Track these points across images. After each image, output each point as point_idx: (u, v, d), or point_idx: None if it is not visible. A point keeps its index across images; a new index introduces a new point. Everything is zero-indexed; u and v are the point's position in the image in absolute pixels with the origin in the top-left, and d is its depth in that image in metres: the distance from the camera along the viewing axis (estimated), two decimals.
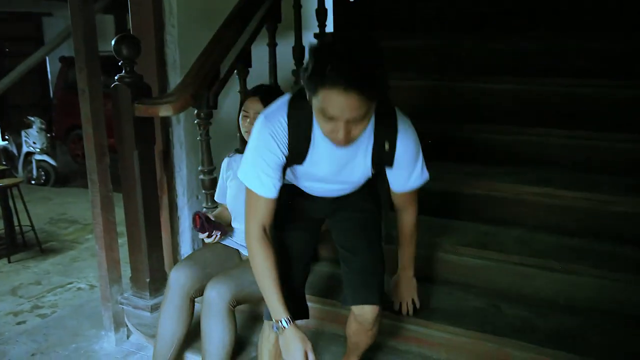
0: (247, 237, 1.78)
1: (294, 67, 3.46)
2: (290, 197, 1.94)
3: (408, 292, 2.24)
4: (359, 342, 2.07)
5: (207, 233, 2.26)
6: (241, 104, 2.31)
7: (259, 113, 2.16)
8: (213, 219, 2.30)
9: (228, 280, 2.18)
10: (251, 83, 2.94)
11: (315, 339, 2.45)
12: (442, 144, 3.04)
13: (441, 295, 2.43)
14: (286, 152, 1.69)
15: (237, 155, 2.45)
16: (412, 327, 2.31)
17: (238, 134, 2.38)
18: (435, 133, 3.04)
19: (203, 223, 2.25)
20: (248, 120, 2.26)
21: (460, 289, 2.48)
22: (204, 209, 2.75)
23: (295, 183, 1.92)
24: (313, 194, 1.94)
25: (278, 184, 1.73)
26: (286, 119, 1.68)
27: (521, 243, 2.48)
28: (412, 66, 3.52)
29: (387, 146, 1.72)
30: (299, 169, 1.79)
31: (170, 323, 2.31)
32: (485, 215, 2.70)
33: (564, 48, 3.20)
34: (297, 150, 1.70)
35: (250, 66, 2.93)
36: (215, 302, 2.14)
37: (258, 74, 3.08)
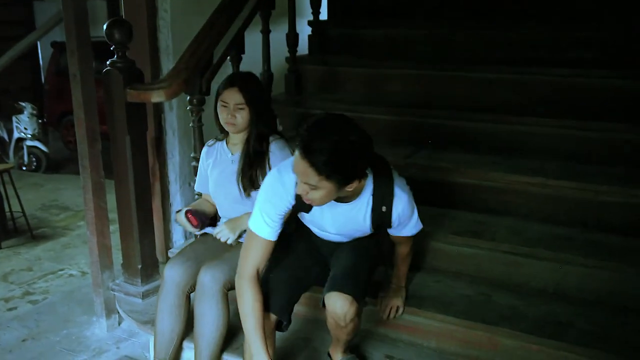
0: (238, 276, 1.90)
1: (288, 54, 3.45)
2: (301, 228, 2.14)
3: (397, 299, 2.28)
4: (339, 336, 2.08)
5: (201, 226, 2.29)
6: (217, 95, 2.30)
7: (238, 104, 2.22)
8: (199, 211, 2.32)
9: (221, 264, 2.18)
10: (244, 69, 2.93)
11: (309, 326, 2.46)
12: (435, 133, 3.05)
13: (432, 284, 2.44)
14: (293, 201, 1.87)
15: (218, 144, 2.43)
16: (403, 316, 2.32)
17: (216, 122, 2.37)
18: (428, 122, 3.06)
19: (201, 219, 2.28)
20: (227, 112, 2.24)
21: (451, 277, 2.50)
22: (196, 196, 2.75)
23: (304, 223, 2.12)
24: (320, 237, 2.14)
25: (278, 230, 1.90)
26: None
27: (512, 232, 2.49)
28: (406, 55, 3.52)
29: (384, 209, 1.91)
30: (306, 216, 1.99)
31: (168, 320, 2.30)
32: (476, 204, 2.71)
33: (556, 38, 3.21)
34: (303, 203, 1.82)
35: (244, 53, 2.92)
36: (209, 286, 2.15)
37: (251, 60, 3.07)
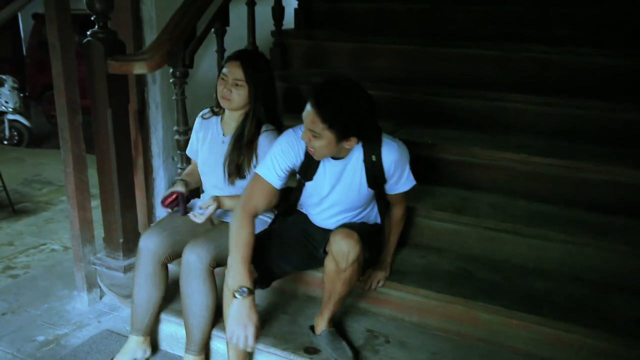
0: (241, 209, 1.99)
1: (273, 28, 3.41)
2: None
3: (381, 272, 2.31)
4: (332, 291, 2.07)
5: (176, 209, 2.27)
6: (220, 68, 2.25)
7: (237, 79, 2.17)
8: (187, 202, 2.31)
9: (207, 242, 2.16)
10: (229, 43, 2.90)
11: (290, 301, 2.47)
12: (420, 109, 3.04)
13: (414, 259, 2.46)
14: (302, 157, 2.05)
15: (213, 118, 2.39)
16: (385, 290, 2.34)
17: (215, 95, 2.32)
18: (414, 97, 3.05)
19: (179, 202, 2.26)
20: (224, 85, 2.20)
21: (434, 253, 2.51)
22: (179, 170, 2.73)
23: (305, 209, 2.27)
24: (317, 224, 2.23)
25: (283, 177, 2.05)
26: None
27: (495, 208, 2.50)
28: (392, 30, 3.49)
29: (374, 158, 2.03)
30: (308, 186, 2.13)
31: (144, 290, 2.29)
32: (460, 180, 2.72)
33: (544, 15, 3.19)
34: (309, 164, 2.06)
35: (228, 25, 2.88)
36: (195, 265, 2.13)
37: (236, 34, 3.03)
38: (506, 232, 2.41)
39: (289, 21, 3.58)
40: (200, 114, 2.45)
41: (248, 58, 2.23)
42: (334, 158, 2.05)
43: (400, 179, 2.13)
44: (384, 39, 3.36)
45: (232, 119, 2.31)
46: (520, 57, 3.04)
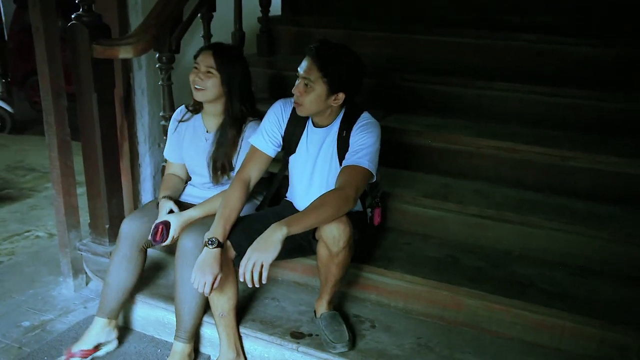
0: (235, 175, 2.16)
1: (260, 14, 3.39)
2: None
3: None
4: (328, 275, 2.08)
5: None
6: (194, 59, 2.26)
7: (209, 67, 2.19)
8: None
9: (202, 228, 2.14)
10: (215, 29, 2.88)
11: (275, 286, 2.48)
12: (404, 96, 3.05)
13: (400, 245, 2.47)
14: (285, 125, 2.17)
15: (193, 119, 2.39)
16: (371, 276, 2.35)
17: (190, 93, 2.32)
18: (400, 84, 3.05)
19: (164, 234, 2.23)
20: (196, 74, 2.21)
21: (419, 239, 2.53)
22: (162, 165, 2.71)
23: (292, 199, 2.32)
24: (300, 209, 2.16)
25: (272, 143, 2.16)
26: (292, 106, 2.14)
27: (480, 195, 2.53)
28: (377, 17, 3.48)
29: (344, 133, 2.09)
30: (292, 162, 2.23)
31: (118, 272, 2.29)
32: (445, 167, 2.73)
33: (528, 2, 3.20)
34: (293, 133, 2.17)
35: (214, 10, 2.86)
36: (191, 251, 2.11)
37: (223, 19, 3.01)
38: (491, 219, 2.44)
39: (276, 7, 3.57)
40: (178, 118, 2.42)
41: (221, 48, 2.25)
42: (316, 126, 2.15)
43: (355, 152, 2.02)
44: (369, 26, 3.35)
45: (212, 113, 2.32)
46: (505, 45, 3.05)
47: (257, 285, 1.83)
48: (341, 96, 2.02)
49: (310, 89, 1.99)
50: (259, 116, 2.30)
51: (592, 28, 3.04)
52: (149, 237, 2.24)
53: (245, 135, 2.27)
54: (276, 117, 2.19)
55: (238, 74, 2.24)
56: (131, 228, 2.27)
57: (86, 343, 2.25)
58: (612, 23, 3.03)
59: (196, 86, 2.21)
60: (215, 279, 1.94)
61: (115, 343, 2.34)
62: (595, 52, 2.90)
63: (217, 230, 2.02)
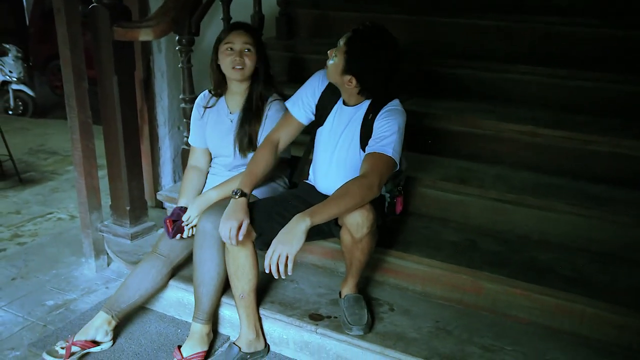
0: (265, 138, 2.21)
1: None
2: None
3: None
4: (352, 260, 2.10)
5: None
6: (218, 42, 2.27)
7: (247, 44, 2.21)
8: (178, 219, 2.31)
9: (222, 210, 2.12)
10: (235, 11, 2.88)
11: (294, 269, 2.48)
12: (424, 80, 3.03)
13: (419, 229, 2.47)
14: (319, 95, 2.18)
15: (217, 103, 2.40)
16: (390, 259, 2.36)
17: (213, 76, 2.33)
18: (420, 69, 3.03)
19: (177, 228, 2.28)
20: (232, 55, 2.21)
21: (438, 223, 2.52)
22: (185, 138, 2.73)
23: (313, 175, 2.32)
24: (324, 192, 2.22)
25: (308, 110, 2.20)
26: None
27: (500, 180, 2.51)
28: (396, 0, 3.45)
29: (370, 116, 2.08)
30: (319, 134, 2.22)
31: (142, 281, 2.31)
32: (465, 151, 2.72)
33: None
34: (326, 105, 2.17)
35: None
36: (211, 233, 2.13)
37: (242, 2, 3.01)
38: (510, 203, 2.42)
39: None
40: (201, 103, 2.43)
41: (248, 25, 2.30)
42: (345, 103, 2.14)
43: (379, 138, 2.00)
44: (389, 9, 3.32)
45: (238, 93, 2.33)
46: (526, 28, 3.01)
47: (282, 277, 1.83)
48: (352, 81, 2.01)
49: (335, 56, 2.02)
50: (278, 92, 2.35)
51: (614, 9, 2.98)
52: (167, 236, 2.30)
53: (269, 113, 2.29)
54: (312, 86, 2.20)
55: (264, 49, 2.30)
56: (168, 245, 2.34)
57: (87, 334, 2.23)
58: (634, 4, 2.97)
59: (237, 66, 2.22)
60: (240, 225, 1.96)
61: (110, 344, 2.28)
62: (617, 34, 2.85)
63: (243, 183, 2.07)
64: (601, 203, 2.32)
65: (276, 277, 1.84)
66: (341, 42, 2.00)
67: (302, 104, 2.19)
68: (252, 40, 2.23)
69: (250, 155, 2.31)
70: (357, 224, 1.94)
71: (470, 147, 2.72)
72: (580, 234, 2.33)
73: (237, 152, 2.32)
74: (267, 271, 1.84)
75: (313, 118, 2.22)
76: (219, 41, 2.27)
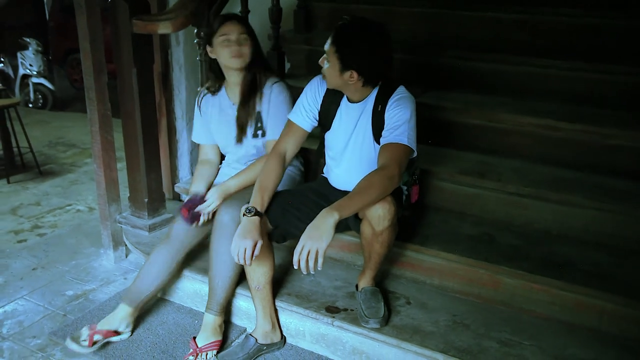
0: (272, 149, 2.19)
1: None
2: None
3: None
4: (371, 252, 2.10)
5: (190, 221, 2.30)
6: (211, 36, 2.29)
7: (242, 33, 2.24)
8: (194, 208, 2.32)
9: (240, 203, 2.16)
10: (253, 4, 2.88)
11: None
12: (442, 73, 3.01)
13: (436, 223, 2.46)
14: (321, 100, 2.17)
15: (218, 95, 2.42)
16: (407, 253, 2.35)
17: (208, 70, 2.38)
18: (437, 61, 3.01)
19: (193, 215, 2.28)
20: (230, 46, 2.24)
21: (456, 217, 2.51)
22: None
23: (327, 171, 2.30)
24: (340, 187, 2.24)
25: (311, 117, 2.18)
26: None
27: (518, 173, 2.49)
28: None
29: (380, 108, 2.06)
30: (328, 138, 2.21)
31: (156, 267, 2.33)
32: (483, 145, 2.70)
33: None
34: (329, 109, 2.16)
35: None
36: (229, 225, 2.15)
37: None
38: (529, 198, 2.40)
39: None
40: (202, 97, 2.46)
41: (238, 16, 2.36)
42: (350, 101, 2.12)
43: (393, 128, 2.00)
44: (406, 2, 3.30)
45: (237, 83, 2.35)
46: (545, 20, 2.97)
47: (312, 272, 1.81)
48: (354, 75, 1.97)
49: (328, 62, 1.99)
50: (274, 73, 2.40)
51: (633, 1, 2.93)
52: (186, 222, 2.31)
53: (273, 97, 2.32)
54: (312, 92, 2.19)
55: (256, 37, 2.34)
56: (180, 232, 2.34)
57: (110, 324, 2.27)
58: None
59: (237, 56, 2.25)
60: (255, 246, 1.94)
61: (128, 334, 2.32)
62: (636, 26, 2.80)
63: (254, 201, 2.04)
64: (621, 197, 2.29)
65: (305, 272, 1.80)
66: (327, 46, 1.99)
67: (304, 111, 2.18)
68: (246, 29, 2.28)
69: (256, 140, 2.34)
70: (379, 216, 1.93)
71: (489, 140, 2.70)
72: (600, 229, 2.31)
73: (244, 137, 2.36)
74: (295, 267, 1.81)
75: (316, 124, 2.21)
76: (210, 35, 2.29)
